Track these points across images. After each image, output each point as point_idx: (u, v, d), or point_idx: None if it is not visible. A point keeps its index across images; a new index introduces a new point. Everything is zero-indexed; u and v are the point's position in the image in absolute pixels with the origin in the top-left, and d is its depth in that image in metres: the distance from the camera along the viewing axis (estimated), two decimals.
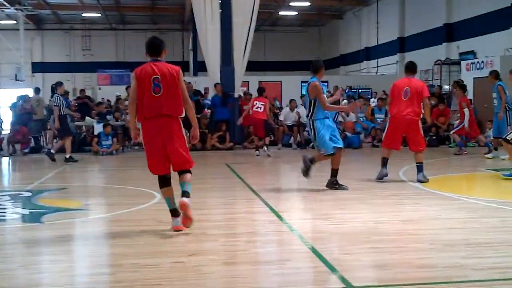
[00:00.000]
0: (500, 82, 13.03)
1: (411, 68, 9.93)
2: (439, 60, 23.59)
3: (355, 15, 33.67)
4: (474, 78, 20.75)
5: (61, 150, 14.23)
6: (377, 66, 30.52)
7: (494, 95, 13.09)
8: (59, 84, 14.63)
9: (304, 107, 8.81)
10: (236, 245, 5.66)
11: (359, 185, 9.43)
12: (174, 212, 6.37)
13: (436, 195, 8.37)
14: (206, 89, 19.86)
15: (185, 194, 6.15)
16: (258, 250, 5.57)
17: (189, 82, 19.28)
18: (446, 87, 22.25)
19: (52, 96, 15.13)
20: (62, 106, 14.02)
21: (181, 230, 6.18)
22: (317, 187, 9.03)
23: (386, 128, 10.10)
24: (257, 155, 14.64)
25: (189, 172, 6.29)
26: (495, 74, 13.39)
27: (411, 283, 4.39)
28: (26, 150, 16.31)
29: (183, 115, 6.28)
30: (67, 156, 13.83)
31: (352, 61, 34.00)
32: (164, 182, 6.37)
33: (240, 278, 4.61)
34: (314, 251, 5.29)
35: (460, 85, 15.29)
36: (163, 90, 6.16)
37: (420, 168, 9.58)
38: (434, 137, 16.93)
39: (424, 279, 4.47)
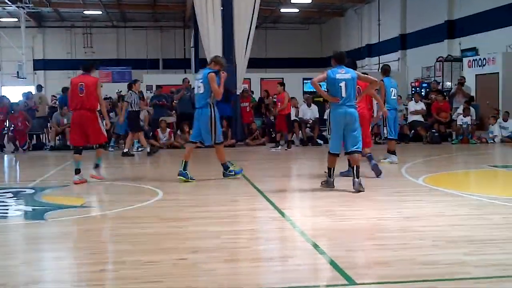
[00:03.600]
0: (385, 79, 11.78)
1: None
2: (440, 57, 23.56)
3: (356, 12, 33.64)
4: (476, 75, 20.76)
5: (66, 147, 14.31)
6: (379, 63, 30.47)
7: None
8: (135, 81, 15.28)
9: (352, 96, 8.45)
10: (238, 242, 5.64)
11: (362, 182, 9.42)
12: (78, 171, 9.72)
13: (439, 192, 8.35)
14: None
15: (97, 166, 10.10)
16: (260, 247, 5.55)
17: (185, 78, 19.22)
18: (448, 84, 22.22)
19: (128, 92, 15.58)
20: (134, 102, 14.64)
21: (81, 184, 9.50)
22: (318, 184, 9.03)
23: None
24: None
25: (102, 147, 10.23)
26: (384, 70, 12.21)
27: (414, 280, 4.37)
28: (24, 147, 16.33)
29: (98, 108, 9.75)
30: (143, 149, 14.96)
31: (354, 58, 33.92)
32: (79, 151, 9.82)
33: (242, 275, 4.61)
34: (316, 248, 5.29)
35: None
36: (85, 93, 9.50)
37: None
38: (436, 134, 16.89)
39: (427, 276, 4.45)
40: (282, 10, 33.31)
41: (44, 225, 6.62)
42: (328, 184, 8.70)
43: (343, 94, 8.30)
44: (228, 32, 17.60)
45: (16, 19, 32.68)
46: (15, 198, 8.37)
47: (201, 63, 27.11)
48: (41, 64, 37.60)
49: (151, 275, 4.55)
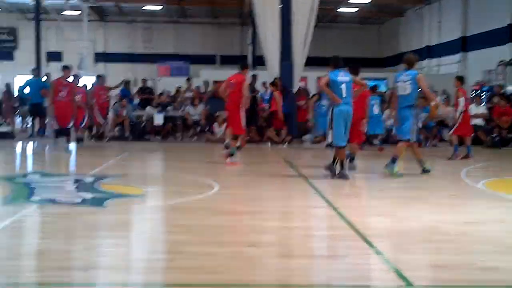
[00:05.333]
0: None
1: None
2: (503, 60, 22.96)
3: (416, 13, 33.10)
4: None
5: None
6: (439, 65, 29.92)
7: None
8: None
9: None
10: (294, 238, 5.65)
11: (419, 184, 9.30)
12: (232, 155, 11.29)
13: (499, 197, 8.16)
14: (264, 83, 19.87)
15: (232, 154, 11.36)
16: (316, 244, 5.54)
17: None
18: (510, 89, 21.64)
19: None
20: None
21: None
22: (376, 184, 8.96)
23: None
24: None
25: (235, 138, 11.59)
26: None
27: (473, 285, 4.30)
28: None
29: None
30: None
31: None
32: (235, 137, 11.62)
33: (297, 271, 4.60)
34: (373, 248, 5.23)
35: (457, 77, 14.06)
36: (234, 88, 11.24)
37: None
38: (497, 138, 16.47)
39: (486, 282, 4.36)
40: (340, 9, 33.07)
41: (103, 212, 6.76)
42: (333, 173, 9.68)
43: (344, 94, 9.52)
44: (287, 30, 17.57)
45: (79, 12, 33.42)
46: (76, 186, 8.58)
47: (258, 60, 27.20)
48: (102, 57, 38.32)
49: (208, 266, 4.60)
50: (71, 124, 13.94)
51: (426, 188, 8.90)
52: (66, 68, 14.05)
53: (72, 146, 13.84)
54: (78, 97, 14.47)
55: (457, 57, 28.17)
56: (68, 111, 13.69)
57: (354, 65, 11.13)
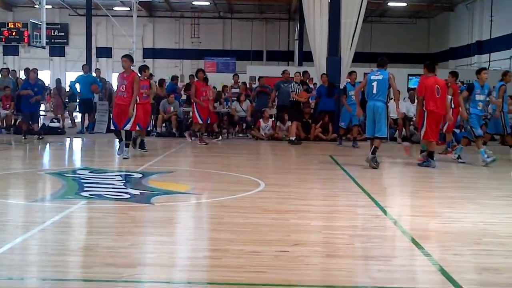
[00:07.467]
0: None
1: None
2: None
3: (467, 7, 32.43)
4: None
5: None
6: (489, 61, 29.27)
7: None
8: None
9: None
10: (339, 238, 5.60)
11: (469, 184, 9.11)
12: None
13: None
14: (311, 79, 19.77)
15: (423, 151, 11.08)
16: (362, 244, 5.46)
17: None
18: None
19: None
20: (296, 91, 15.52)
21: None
22: (423, 183, 8.82)
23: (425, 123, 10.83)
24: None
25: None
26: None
27: None
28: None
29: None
30: None
31: (463, 55, 32.78)
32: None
33: (343, 272, 4.56)
34: (420, 249, 5.16)
35: (451, 72, 14.15)
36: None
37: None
38: None
39: None
40: (390, 4, 32.68)
41: (150, 209, 6.84)
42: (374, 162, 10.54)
43: (374, 91, 10.65)
44: (335, 25, 17.41)
45: (128, 8, 33.95)
46: (124, 182, 8.70)
47: (305, 56, 27.11)
48: (150, 53, 38.88)
49: (254, 265, 4.61)
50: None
51: (476, 188, 8.72)
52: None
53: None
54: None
55: (509, 52, 27.53)
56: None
57: (381, 58, 11.30)
